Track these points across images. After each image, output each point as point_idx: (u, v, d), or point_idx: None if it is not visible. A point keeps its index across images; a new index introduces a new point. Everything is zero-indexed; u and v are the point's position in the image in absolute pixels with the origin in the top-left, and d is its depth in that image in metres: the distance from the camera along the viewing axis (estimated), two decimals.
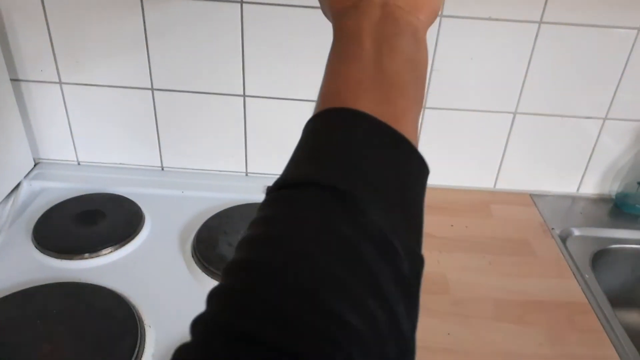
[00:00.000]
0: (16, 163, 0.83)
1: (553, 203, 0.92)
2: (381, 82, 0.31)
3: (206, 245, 0.73)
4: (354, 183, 0.27)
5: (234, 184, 0.89)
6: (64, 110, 0.85)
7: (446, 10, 0.78)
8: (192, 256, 0.72)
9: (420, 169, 0.30)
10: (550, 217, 0.87)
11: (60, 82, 0.82)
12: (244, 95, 0.85)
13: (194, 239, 0.74)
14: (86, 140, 0.88)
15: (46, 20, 0.77)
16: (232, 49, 0.80)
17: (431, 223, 0.84)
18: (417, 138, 0.31)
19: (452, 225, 0.84)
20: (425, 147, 0.93)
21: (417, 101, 0.32)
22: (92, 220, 0.76)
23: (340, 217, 0.26)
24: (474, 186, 0.93)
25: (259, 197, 0.85)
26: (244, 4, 0.76)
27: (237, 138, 0.89)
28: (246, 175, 0.92)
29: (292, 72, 0.82)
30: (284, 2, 0.76)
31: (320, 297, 0.23)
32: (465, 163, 0.91)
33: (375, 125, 0.29)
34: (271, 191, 0.29)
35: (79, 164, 0.90)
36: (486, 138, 0.89)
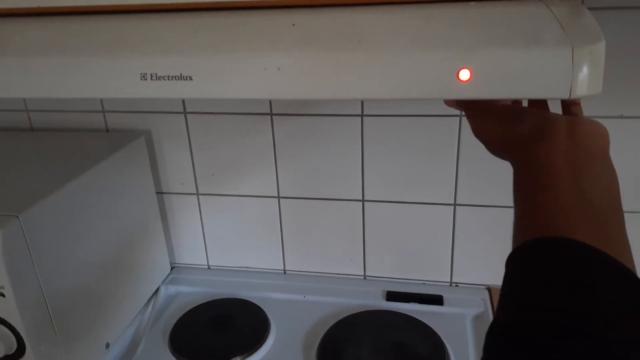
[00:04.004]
0: (156, 268, 0.90)
1: None
2: (589, 211, 0.30)
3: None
4: (604, 328, 0.25)
5: (353, 288, 0.89)
6: (199, 218, 0.92)
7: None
8: None
9: None
10: None
11: (197, 194, 0.90)
12: (363, 200, 0.87)
13: (317, 350, 0.74)
14: (216, 245, 0.95)
15: (189, 141, 0.87)
16: (353, 157, 0.83)
17: None
18: (634, 263, 0.29)
19: None
20: None
21: (623, 226, 0.31)
22: (223, 327, 0.80)
23: None
24: None
25: (378, 303, 0.84)
26: (364, 117, 0.81)
27: (355, 242, 0.90)
28: (364, 278, 0.92)
29: (409, 177, 0.83)
30: (401, 113, 0.79)
31: None
32: None
33: (605, 259, 0.27)
34: (512, 330, 0.27)
35: (209, 267, 0.96)
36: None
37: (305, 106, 0.82)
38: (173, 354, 0.75)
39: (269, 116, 0.83)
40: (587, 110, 0.75)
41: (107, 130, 0.89)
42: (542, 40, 0.32)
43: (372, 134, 0.82)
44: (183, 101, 0.85)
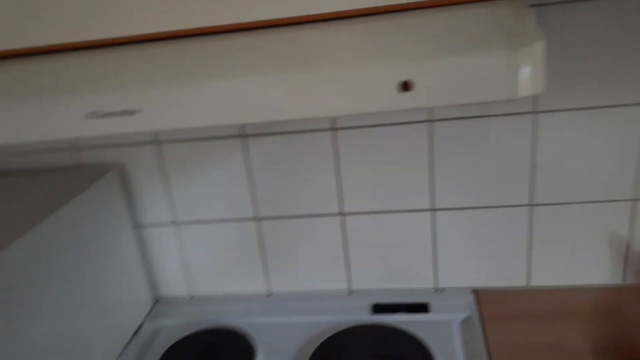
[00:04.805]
0: (138, 304, 0.88)
1: None
2: None
3: None
4: None
5: (339, 304, 0.88)
6: (178, 248, 0.91)
7: (543, 105, 0.76)
8: None
9: None
10: None
11: (174, 223, 0.89)
12: (344, 214, 0.86)
13: None
14: (198, 274, 0.93)
15: (163, 171, 0.86)
16: (328, 171, 0.83)
17: (560, 330, 0.76)
18: None
19: (583, 333, 0.76)
20: (543, 246, 0.86)
21: None
22: (210, 357, 0.78)
23: None
24: (599, 283, 0.85)
25: (364, 317, 0.83)
26: (336, 130, 0.80)
27: (338, 256, 0.89)
28: (350, 292, 0.91)
29: (386, 186, 0.83)
30: (371, 123, 0.79)
31: None
32: (589, 259, 0.84)
33: None
34: None
35: (192, 298, 0.95)
36: (605, 229, 0.82)
37: (276, 125, 0.82)
38: None
39: (241, 138, 0.82)
40: (557, 104, 0.76)
41: (80, 167, 0.88)
42: (484, 44, 0.32)
43: (346, 147, 0.81)
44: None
